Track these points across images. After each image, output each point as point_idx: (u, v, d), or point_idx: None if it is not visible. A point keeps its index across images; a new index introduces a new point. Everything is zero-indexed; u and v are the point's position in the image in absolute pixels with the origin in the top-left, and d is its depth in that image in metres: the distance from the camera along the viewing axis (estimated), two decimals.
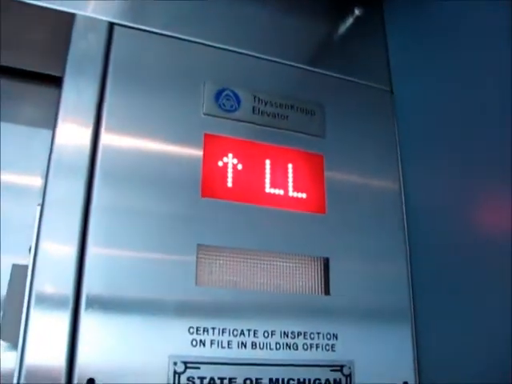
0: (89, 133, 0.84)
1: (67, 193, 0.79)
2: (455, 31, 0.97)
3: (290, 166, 0.95)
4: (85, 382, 0.71)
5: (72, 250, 0.77)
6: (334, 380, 0.85)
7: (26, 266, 0.75)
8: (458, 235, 0.91)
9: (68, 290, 0.75)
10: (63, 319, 0.73)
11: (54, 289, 0.74)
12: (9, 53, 0.95)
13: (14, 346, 0.73)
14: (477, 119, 0.90)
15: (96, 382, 0.72)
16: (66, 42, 0.87)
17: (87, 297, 0.75)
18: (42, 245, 0.76)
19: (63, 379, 0.71)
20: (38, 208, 0.78)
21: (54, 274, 0.75)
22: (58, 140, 0.82)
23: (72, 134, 0.83)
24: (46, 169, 0.81)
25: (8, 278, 0.84)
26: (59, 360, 0.71)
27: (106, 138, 0.84)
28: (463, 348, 0.88)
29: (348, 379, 0.86)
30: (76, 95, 0.85)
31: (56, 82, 0.89)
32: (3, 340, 0.82)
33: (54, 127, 0.83)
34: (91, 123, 0.84)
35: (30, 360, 0.70)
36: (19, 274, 0.80)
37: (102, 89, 0.87)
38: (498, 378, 0.79)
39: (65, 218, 0.78)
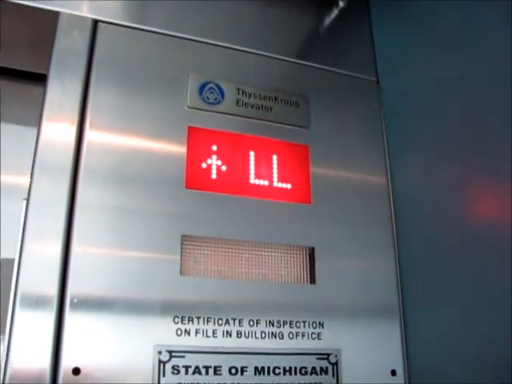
0: (73, 130, 0.85)
1: (52, 191, 0.80)
2: (441, 20, 0.97)
3: (274, 157, 0.95)
4: (70, 375, 0.72)
5: (57, 249, 0.78)
6: (321, 368, 0.85)
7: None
8: (446, 227, 0.91)
9: (53, 288, 0.76)
10: (48, 317, 0.74)
11: (38, 287, 0.75)
12: None
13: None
14: (464, 109, 0.89)
15: (81, 371, 0.73)
16: (50, 39, 0.88)
17: (72, 295, 0.76)
18: (28, 243, 0.77)
19: (48, 376, 0.72)
20: (24, 202, 0.79)
21: (38, 272, 0.76)
22: (42, 138, 0.83)
23: (57, 131, 0.84)
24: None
25: None
26: (44, 358, 0.72)
27: (91, 135, 0.85)
28: (452, 337, 0.87)
29: (335, 367, 0.86)
30: (60, 92, 0.86)
31: (41, 79, 0.90)
32: None
33: (39, 125, 0.84)
34: (76, 120, 0.85)
35: (15, 358, 0.71)
36: (8, 267, 0.81)
37: (86, 85, 0.88)
38: (487, 367, 0.80)
39: (50, 216, 0.79)
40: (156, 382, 0.76)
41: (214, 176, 0.90)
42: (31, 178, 0.80)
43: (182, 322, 0.80)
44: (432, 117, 0.96)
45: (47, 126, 0.84)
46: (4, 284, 0.82)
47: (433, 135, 0.96)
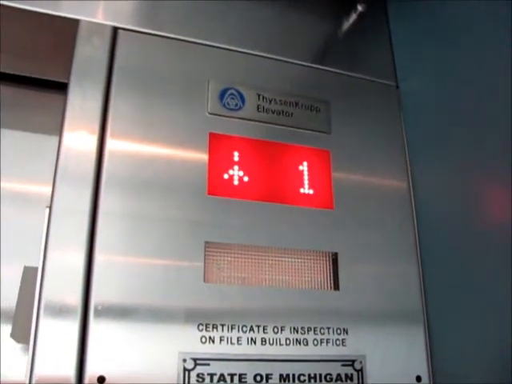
0: (95, 138, 0.84)
1: (74, 199, 0.80)
2: (459, 24, 0.96)
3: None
4: (95, 383, 0.72)
5: (80, 256, 0.77)
6: (346, 375, 0.85)
7: (37, 268, 0.76)
8: (469, 232, 0.90)
9: (77, 295, 0.75)
10: (73, 325, 0.74)
11: (62, 295, 0.75)
12: (14, 60, 0.97)
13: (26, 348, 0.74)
14: (484, 112, 0.88)
15: (106, 379, 0.72)
16: (70, 47, 0.88)
17: (96, 302, 0.76)
18: (51, 252, 0.76)
19: None
20: (47, 210, 0.79)
21: (62, 280, 0.75)
22: (64, 146, 0.83)
23: (78, 139, 0.84)
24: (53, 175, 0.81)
25: None
26: (69, 366, 0.72)
27: (112, 143, 0.85)
28: (477, 342, 0.86)
29: (360, 374, 0.85)
30: (81, 101, 0.86)
31: (62, 88, 0.90)
32: (15, 341, 0.83)
33: (60, 133, 0.84)
34: (97, 129, 0.85)
35: (40, 367, 0.71)
36: (30, 275, 0.81)
37: (106, 93, 0.88)
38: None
39: (72, 224, 0.79)
40: None
41: (235, 182, 0.89)
42: (53, 186, 0.80)
43: (206, 330, 0.80)
44: (453, 120, 0.95)
45: (68, 134, 0.83)
46: (26, 292, 0.82)
47: (453, 138, 0.95)
